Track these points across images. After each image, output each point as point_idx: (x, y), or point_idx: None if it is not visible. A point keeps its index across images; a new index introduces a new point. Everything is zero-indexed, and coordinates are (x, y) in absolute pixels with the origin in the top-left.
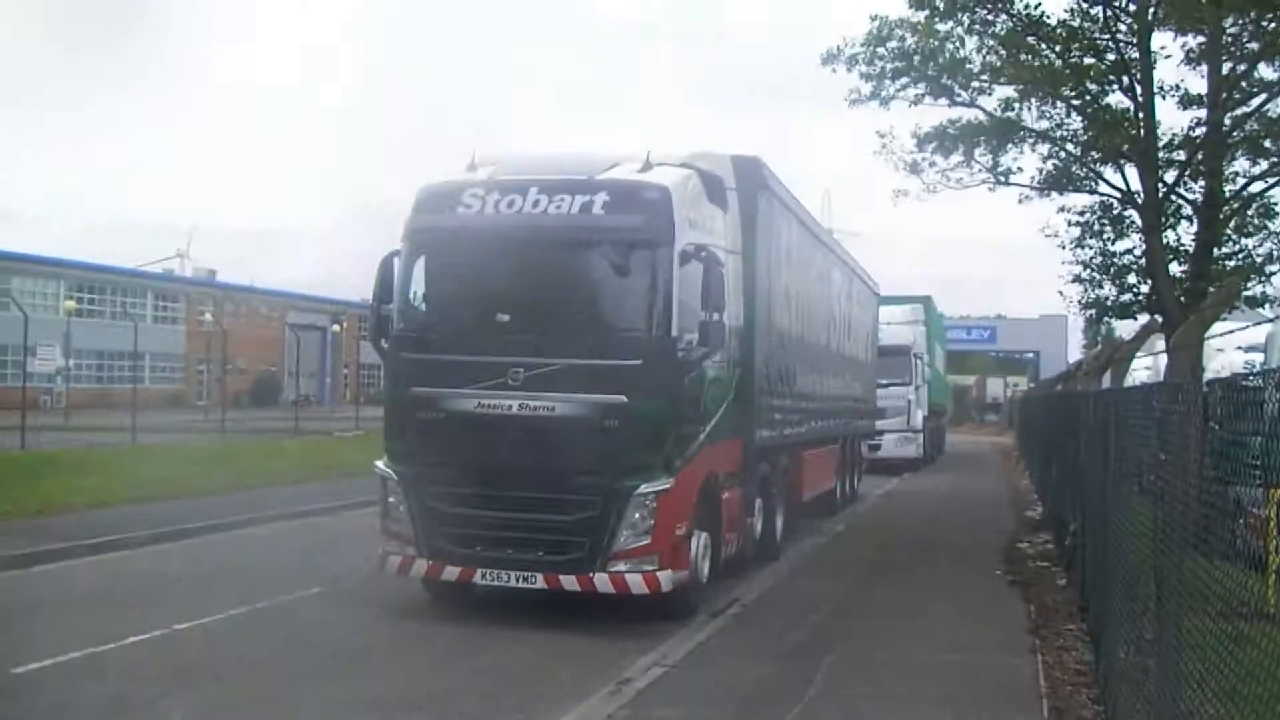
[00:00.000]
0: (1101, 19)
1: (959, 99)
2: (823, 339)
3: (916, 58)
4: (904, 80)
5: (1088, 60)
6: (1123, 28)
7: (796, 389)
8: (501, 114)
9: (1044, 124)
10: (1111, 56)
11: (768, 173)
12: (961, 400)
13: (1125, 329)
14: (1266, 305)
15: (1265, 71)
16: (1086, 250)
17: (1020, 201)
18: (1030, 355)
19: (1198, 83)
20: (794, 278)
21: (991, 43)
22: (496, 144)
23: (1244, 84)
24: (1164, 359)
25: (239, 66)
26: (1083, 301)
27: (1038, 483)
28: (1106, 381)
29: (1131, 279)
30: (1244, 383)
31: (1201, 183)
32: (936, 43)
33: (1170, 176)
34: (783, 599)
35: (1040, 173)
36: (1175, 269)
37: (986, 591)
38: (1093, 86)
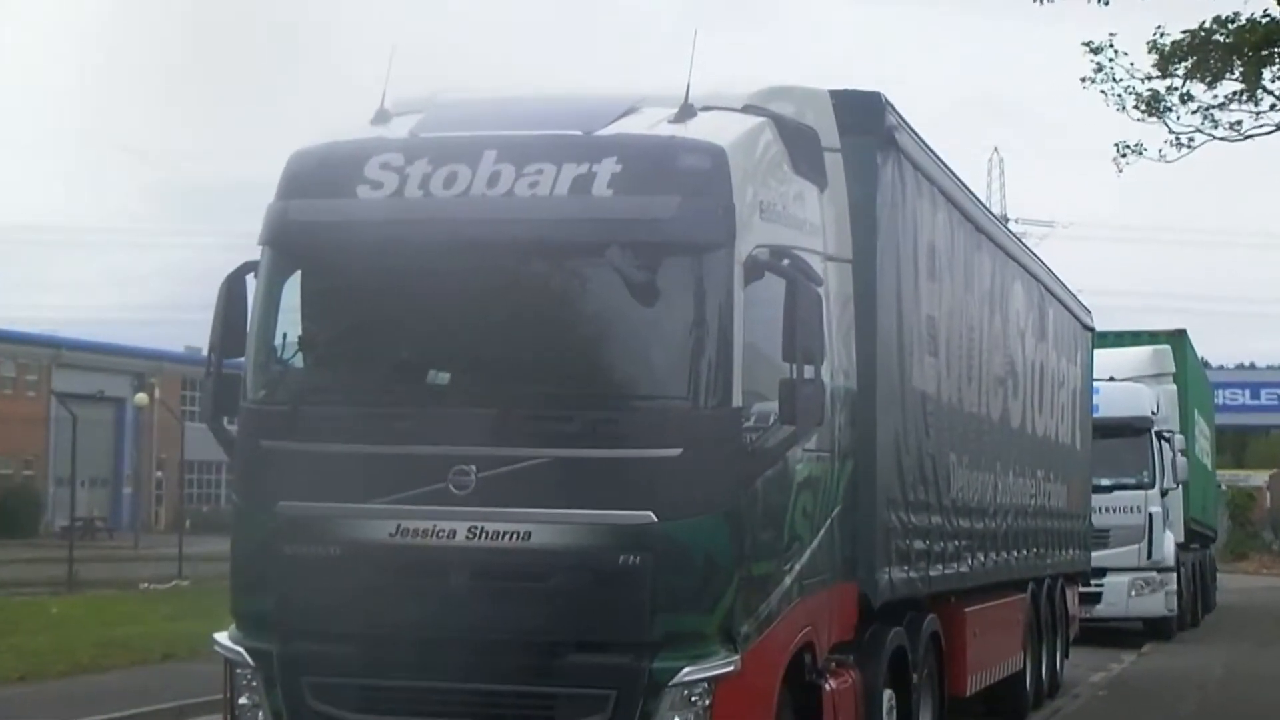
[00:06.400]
0: None
1: None
2: (996, 408)
3: None
4: None
5: None
6: None
7: (951, 496)
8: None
9: None
10: None
11: (895, 119)
12: (1245, 513)
13: None
14: None
15: None
16: None
17: None
18: None
19: None
20: (945, 303)
21: None
22: (428, 80)
23: None
24: None
25: None
26: None
27: None
28: None
29: None
30: None
31: None
32: None
33: None
34: None
35: None
36: None
37: None
38: None
